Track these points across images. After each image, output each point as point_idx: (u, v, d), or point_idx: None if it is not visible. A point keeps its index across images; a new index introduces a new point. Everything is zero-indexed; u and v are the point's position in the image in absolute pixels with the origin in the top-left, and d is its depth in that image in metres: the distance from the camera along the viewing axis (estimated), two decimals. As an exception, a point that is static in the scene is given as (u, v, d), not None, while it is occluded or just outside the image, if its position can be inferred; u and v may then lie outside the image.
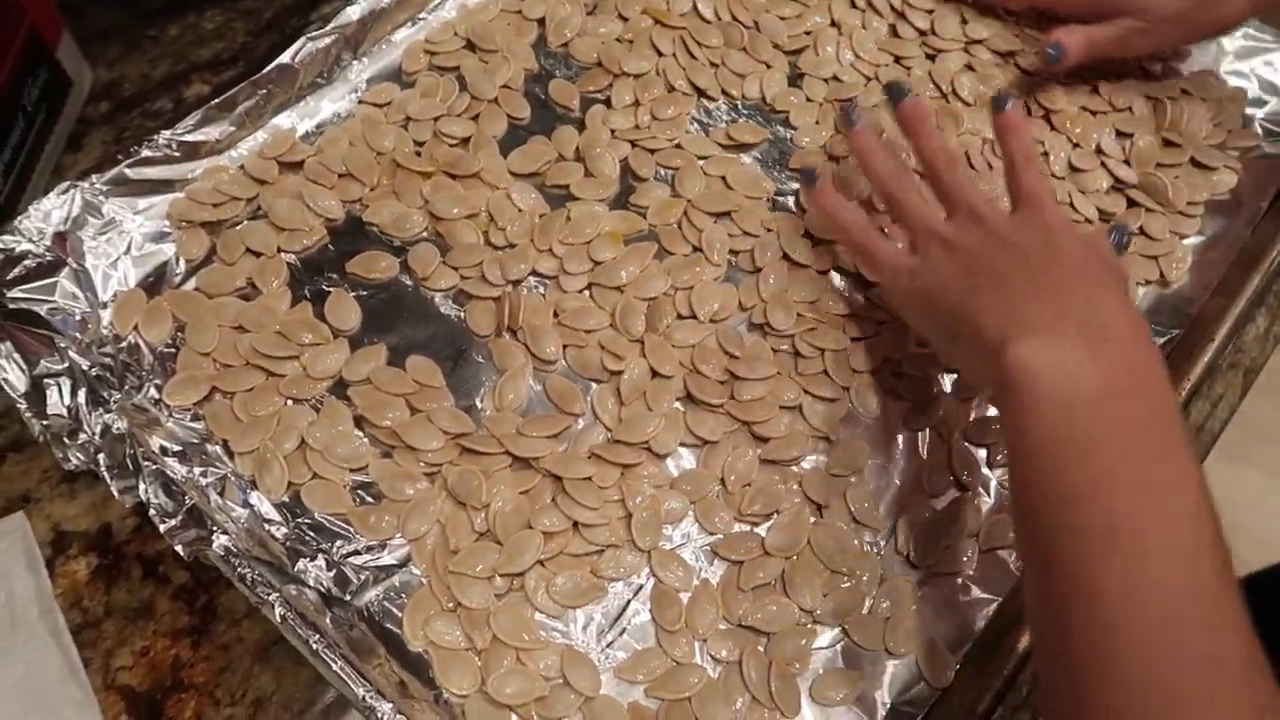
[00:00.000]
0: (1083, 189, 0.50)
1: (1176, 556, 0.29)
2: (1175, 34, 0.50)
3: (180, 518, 0.37)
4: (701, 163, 0.49)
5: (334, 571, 0.38)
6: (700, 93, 0.52)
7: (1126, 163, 0.50)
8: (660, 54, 0.53)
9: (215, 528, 0.37)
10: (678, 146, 0.50)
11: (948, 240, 0.40)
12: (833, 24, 0.55)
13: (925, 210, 0.42)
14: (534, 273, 0.46)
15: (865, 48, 0.54)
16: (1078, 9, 0.50)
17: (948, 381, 0.45)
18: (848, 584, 0.40)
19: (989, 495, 0.42)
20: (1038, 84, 0.53)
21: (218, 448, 0.40)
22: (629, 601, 0.39)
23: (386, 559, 0.39)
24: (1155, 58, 0.54)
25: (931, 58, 0.54)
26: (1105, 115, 0.52)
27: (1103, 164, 0.50)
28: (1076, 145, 0.51)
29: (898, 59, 0.54)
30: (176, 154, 0.46)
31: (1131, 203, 0.50)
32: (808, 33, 0.54)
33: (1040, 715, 0.38)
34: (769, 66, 0.53)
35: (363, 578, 0.38)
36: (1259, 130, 0.53)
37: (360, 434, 0.41)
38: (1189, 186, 0.50)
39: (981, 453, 0.43)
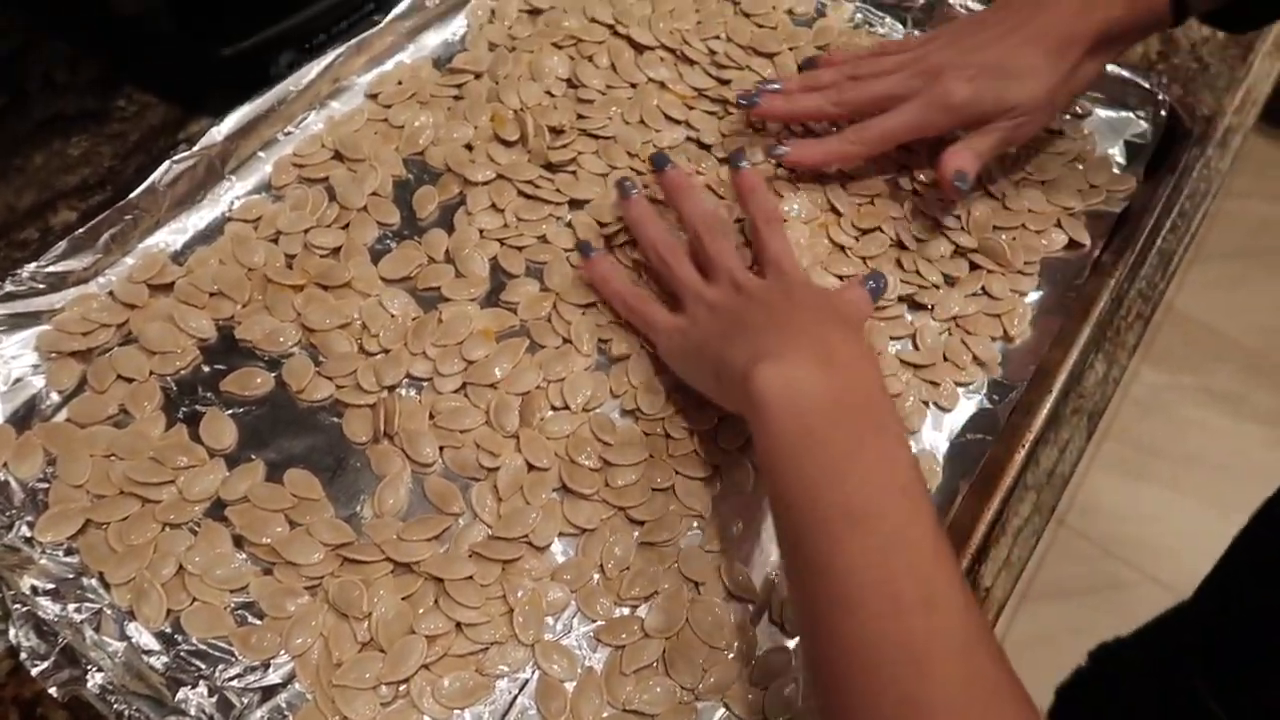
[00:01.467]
0: (928, 257, 0.53)
1: (895, 526, 0.35)
2: (1047, 116, 0.52)
3: (54, 658, 0.37)
4: (568, 254, 0.52)
5: (216, 697, 0.38)
6: (538, 198, 0.54)
7: (964, 230, 0.54)
8: (496, 163, 0.54)
9: (90, 665, 0.37)
10: (545, 241, 0.52)
11: (711, 303, 0.45)
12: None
13: (692, 276, 0.47)
14: (408, 376, 0.47)
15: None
16: (947, 130, 0.52)
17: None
18: (728, 657, 0.41)
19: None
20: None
21: (93, 580, 0.40)
22: (515, 697, 0.40)
23: (271, 678, 0.39)
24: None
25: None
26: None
27: (943, 233, 0.54)
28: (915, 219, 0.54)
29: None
30: (42, 286, 0.47)
31: (974, 265, 0.53)
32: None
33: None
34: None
35: (246, 700, 0.38)
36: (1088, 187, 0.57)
37: (240, 554, 0.42)
38: (1025, 248, 0.54)
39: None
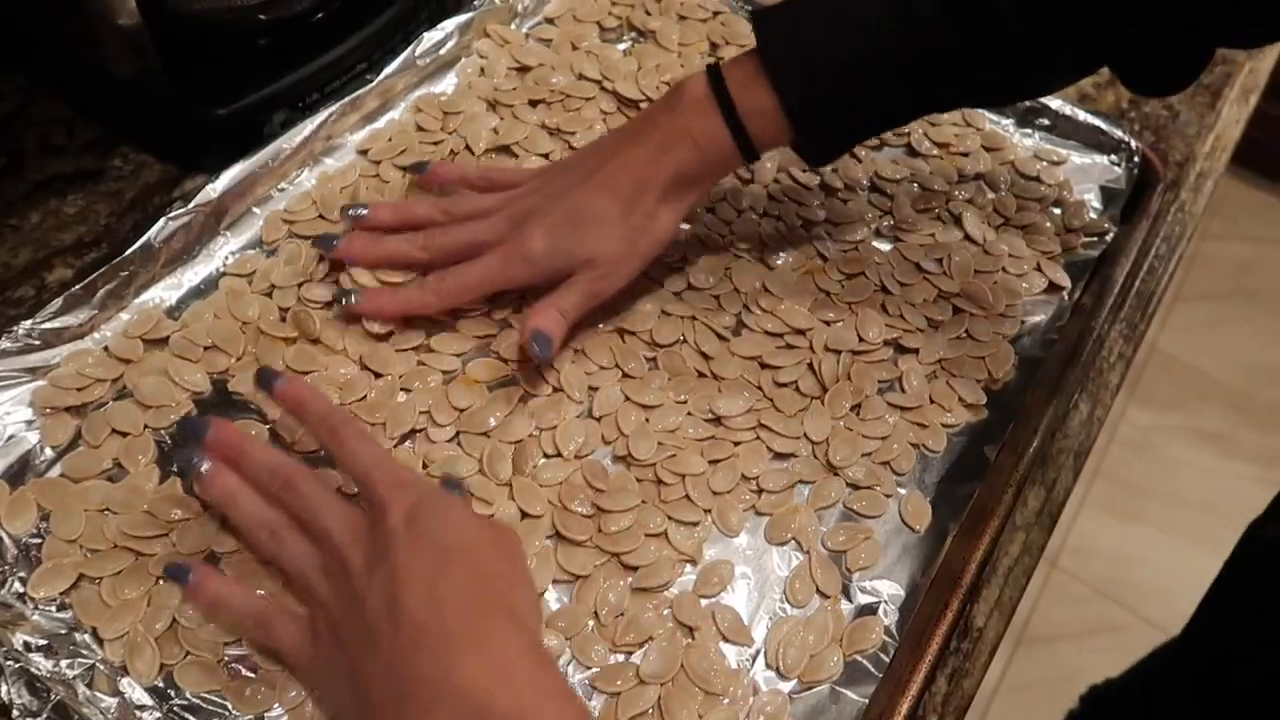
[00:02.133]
0: (911, 301, 0.54)
1: None
2: (630, 266, 0.49)
3: (46, 716, 0.37)
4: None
5: (209, 752, 0.38)
6: None
7: (946, 274, 0.55)
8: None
9: (83, 722, 0.37)
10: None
11: (324, 603, 0.38)
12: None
13: (303, 559, 0.39)
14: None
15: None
16: (529, 283, 0.49)
17: (805, 491, 0.47)
18: (724, 703, 0.41)
19: (849, 600, 0.44)
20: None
21: (86, 635, 0.40)
22: (511, 746, 0.40)
23: (264, 732, 0.39)
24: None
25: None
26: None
27: (925, 279, 0.55)
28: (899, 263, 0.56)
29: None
30: (37, 342, 0.47)
31: (957, 309, 0.54)
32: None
33: None
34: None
35: (240, 755, 0.38)
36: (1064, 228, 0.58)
37: (234, 606, 0.42)
38: (1006, 291, 0.55)
39: (840, 558, 0.45)
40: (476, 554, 0.37)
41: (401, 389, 0.48)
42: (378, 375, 0.49)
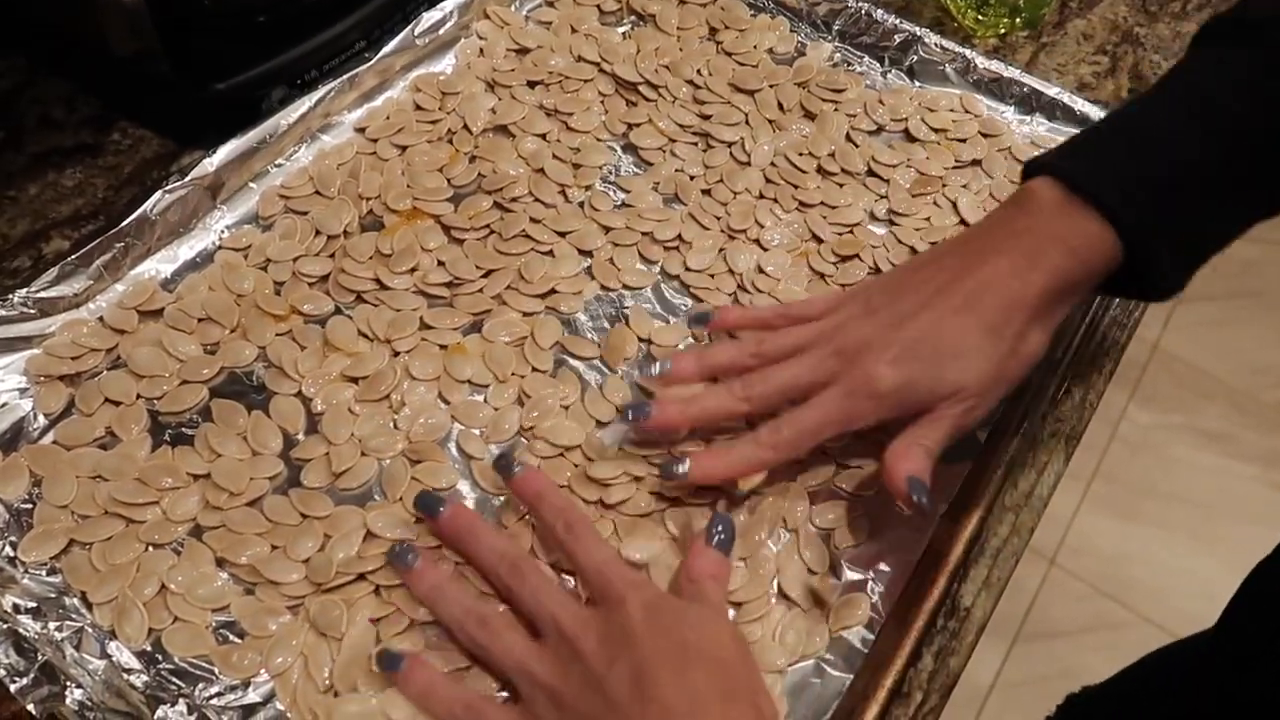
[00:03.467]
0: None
1: None
2: (1000, 391, 0.43)
3: (32, 675, 0.37)
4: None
5: (196, 715, 0.38)
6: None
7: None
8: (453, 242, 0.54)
9: (69, 683, 0.37)
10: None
11: (544, 684, 0.37)
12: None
13: (513, 647, 0.38)
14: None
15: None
16: (877, 420, 0.43)
17: (795, 470, 0.47)
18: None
19: (836, 577, 0.44)
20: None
21: (75, 600, 0.41)
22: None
23: (251, 696, 0.39)
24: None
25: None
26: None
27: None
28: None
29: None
30: (33, 311, 0.47)
31: (950, 292, 0.54)
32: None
33: None
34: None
35: (226, 718, 0.38)
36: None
37: (222, 573, 0.42)
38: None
39: (828, 536, 0.45)
40: (720, 653, 0.37)
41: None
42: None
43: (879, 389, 0.42)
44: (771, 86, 0.62)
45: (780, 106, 0.61)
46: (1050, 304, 0.43)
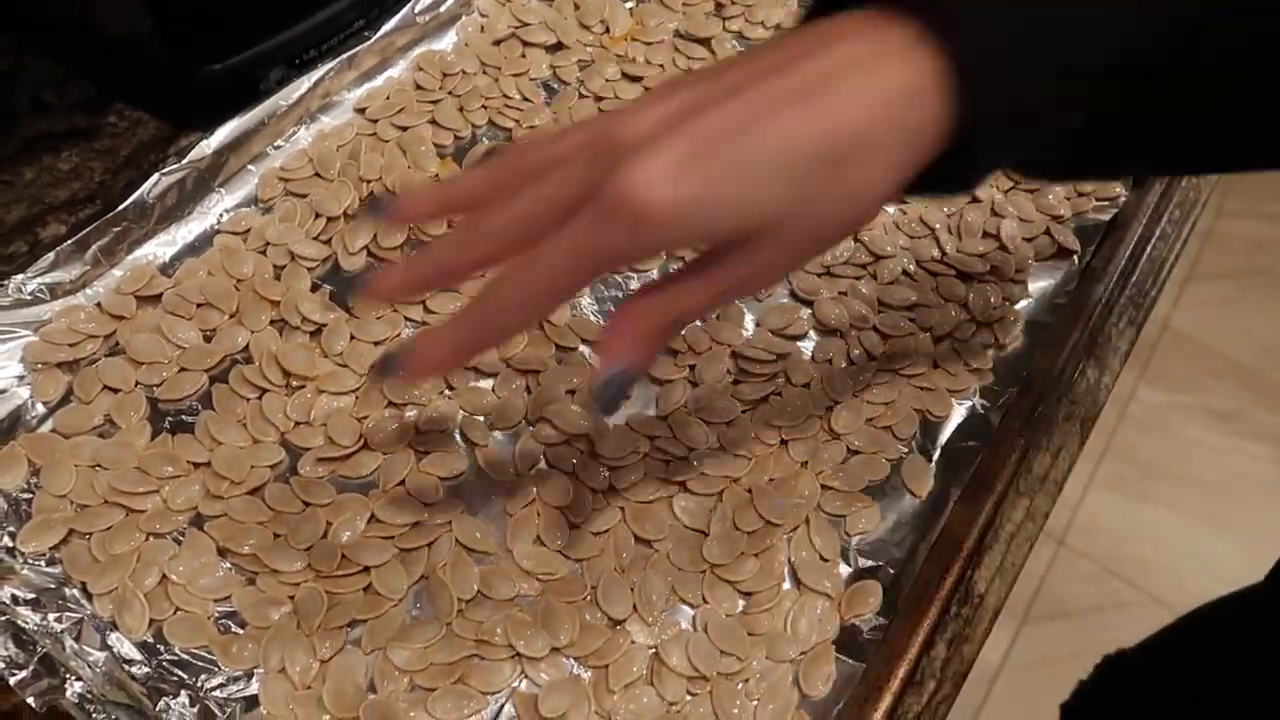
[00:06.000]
0: (919, 258, 0.53)
1: None
2: (809, 249, 0.31)
3: (32, 668, 0.36)
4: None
5: (198, 707, 0.38)
6: None
7: (954, 237, 0.54)
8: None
9: (70, 675, 0.36)
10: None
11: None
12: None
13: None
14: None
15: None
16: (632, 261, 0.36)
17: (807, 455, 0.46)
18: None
19: (848, 565, 0.44)
20: None
21: (75, 590, 0.40)
22: (502, 706, 0.39)
23: (253, 687, 0.39)
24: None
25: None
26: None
27: (932, 240, 0.54)
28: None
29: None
30: (29, 297, 0.47)
31: (963, 273, 0.53)
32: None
33: None
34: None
35: (228, 710, 0.38)
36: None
37: (224, 563, 0.41)
38: (1014, 255, 0.54)
39: (840, 523, 0.45)
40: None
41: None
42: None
43: (643, 208, 0.27)
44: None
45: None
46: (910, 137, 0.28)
